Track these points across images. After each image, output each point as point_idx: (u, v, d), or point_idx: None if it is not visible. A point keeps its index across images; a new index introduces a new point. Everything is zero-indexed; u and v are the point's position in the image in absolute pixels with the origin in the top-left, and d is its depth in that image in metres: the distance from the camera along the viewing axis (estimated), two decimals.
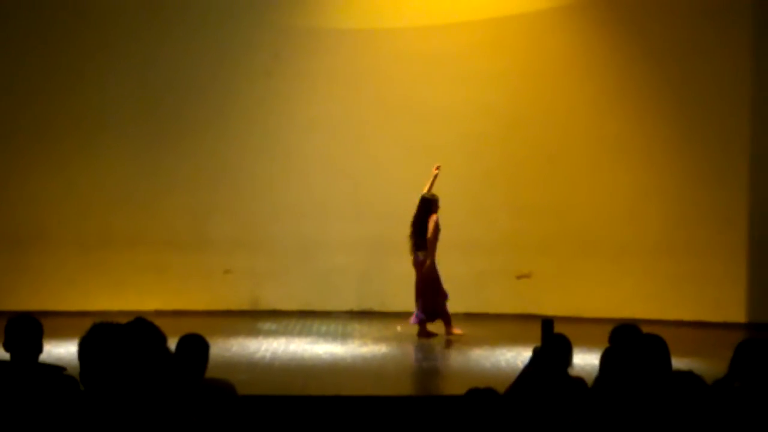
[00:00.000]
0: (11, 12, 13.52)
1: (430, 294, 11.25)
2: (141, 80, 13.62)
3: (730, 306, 12.59)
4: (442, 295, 11.28)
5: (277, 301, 13.60)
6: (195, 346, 5.23)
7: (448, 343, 11.05)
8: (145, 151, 13.67)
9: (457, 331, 11.33)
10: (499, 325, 12.23)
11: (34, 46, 13.47)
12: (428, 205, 11.33)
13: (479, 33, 13.75)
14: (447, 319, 11.33)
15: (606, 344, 5.49)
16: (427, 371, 9.84)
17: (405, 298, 13.13)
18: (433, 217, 11.27)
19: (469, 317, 12.97)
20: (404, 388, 8.99)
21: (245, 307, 13.52)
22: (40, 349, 4.77)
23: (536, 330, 6.59)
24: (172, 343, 4.67)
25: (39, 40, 13.47)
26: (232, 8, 13.79)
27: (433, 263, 11.28)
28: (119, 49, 13.55)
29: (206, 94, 13.66)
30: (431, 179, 11.54)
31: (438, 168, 11.54)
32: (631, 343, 4.22)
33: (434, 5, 13.98)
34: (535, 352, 5.90)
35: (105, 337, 3.91)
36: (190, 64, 13.63)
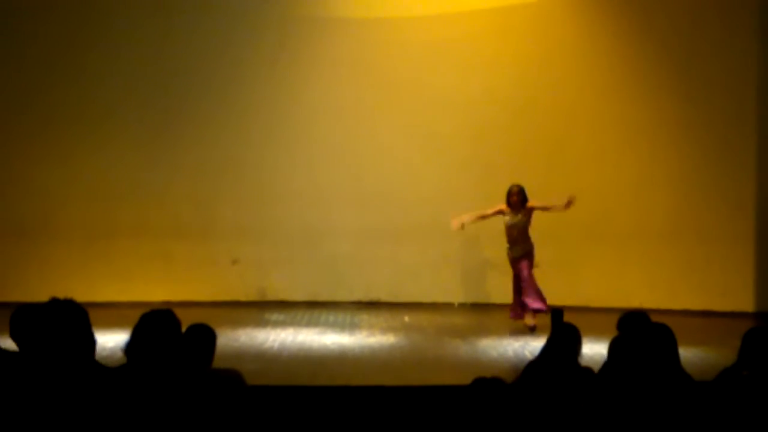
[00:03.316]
0: (14, 5, 13.51)
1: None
2: (145, 70, 13.61)
3: (737, 294, 12.56)
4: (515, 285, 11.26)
5: (284, 292, 13.61)
6: (202, 336, 5.23)
7: (456, 333, 11.04)
8: (150, 141, 13.68)
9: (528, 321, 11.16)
10: (506, 315, 12.20)
11: (38, 37, 13.47)
12: None
13: (484, 21, 13.72)
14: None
15: (613, 334, 5.48)
16: (435, 361, 9.84)
17: (412, 288, 13.15)
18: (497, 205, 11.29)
19: (476, 307, 12.99)
20: (412, 378, 8.98)
21: (252, 297, 13.53)
22: None
23: (543, 319, 6.58)
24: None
25: (43, 31, 13.47)
26: None
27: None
28: (123, 40, 13.54)
29: (211, 83, 13.65)
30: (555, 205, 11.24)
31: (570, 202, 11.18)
32: (638, 333, 4.22)
33: None
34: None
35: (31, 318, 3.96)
36: (194, 53, 13.62)
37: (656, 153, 13.13)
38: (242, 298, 13.46)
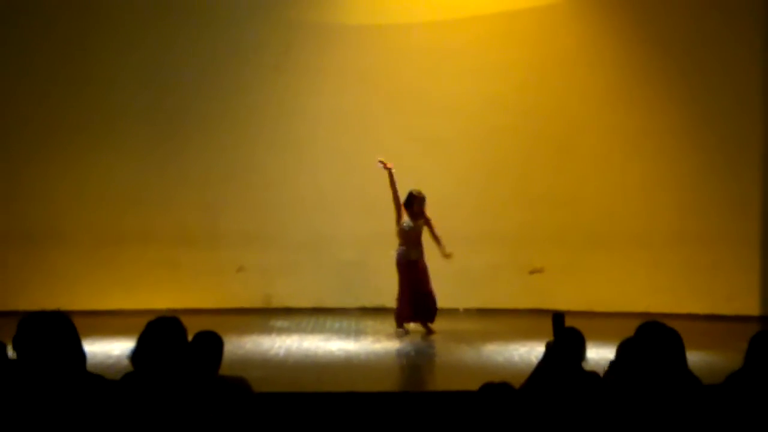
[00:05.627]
0: (20, 11, 13.53)
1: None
2: (151, 77, 13.61)
3: (743, 298, 12.55)
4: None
5: (289, 299, 13.59)
6: (210, 343, 5.24)
7: (461, 339, 11.03)
8: (156, 148, 13.68)
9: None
10: (512, 320, 12.21)
11: (43, 45, 13.48)
12: None
13: (489, 26, 13.72)
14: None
15: (618, 338, 5.47)
16: (441, 367, 9.84)
17: None
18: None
19: (482, 312, 12.98)
20: (418, 384, 8.98)
21: (258, 304, 13.51)
22: None
23: (549, 324, 6.56)
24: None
25: (47, 39, 13.48)
26: (241, 4, 13.78)
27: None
28: (129, 46, 13.55)
29: (216, 89, 13.65)
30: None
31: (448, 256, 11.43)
32: (647, 337, 4.21)
33: (443, 0, 13.94)
34: (548, 346, 5.87)
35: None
36: (199, 60, 13.63)
37: (661, 157, 13.13)
38: (248, 305, 13.45)
